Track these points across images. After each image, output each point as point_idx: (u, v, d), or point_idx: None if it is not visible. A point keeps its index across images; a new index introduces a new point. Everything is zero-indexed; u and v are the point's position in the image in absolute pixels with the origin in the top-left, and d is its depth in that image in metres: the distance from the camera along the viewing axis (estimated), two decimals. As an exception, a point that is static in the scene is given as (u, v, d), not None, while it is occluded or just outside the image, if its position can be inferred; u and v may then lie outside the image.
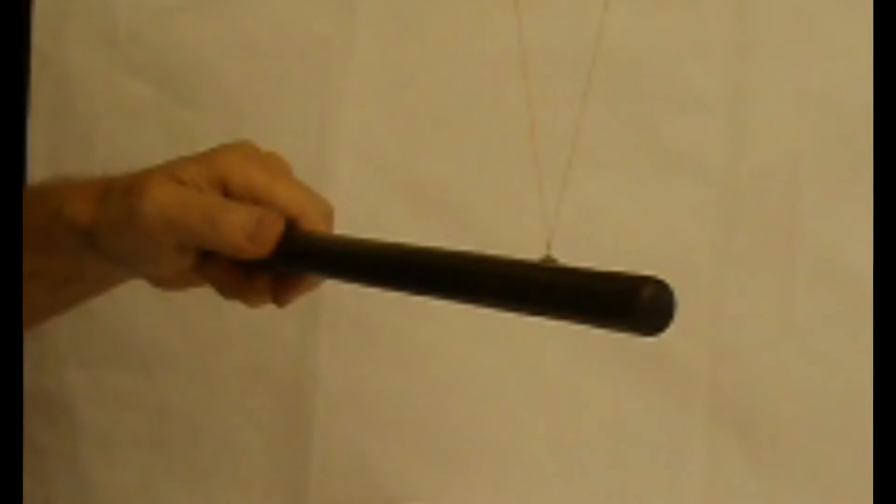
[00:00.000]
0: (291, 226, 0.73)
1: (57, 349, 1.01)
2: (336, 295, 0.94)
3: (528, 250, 0.67)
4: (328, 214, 0.75)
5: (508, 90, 0.94)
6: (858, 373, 0.94)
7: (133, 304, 0.98)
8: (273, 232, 0.72)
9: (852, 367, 0.94)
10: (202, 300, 0.80)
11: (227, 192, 0.73)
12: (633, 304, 0.57)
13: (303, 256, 0.73)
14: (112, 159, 0.96)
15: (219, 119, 0.96)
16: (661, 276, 0.57)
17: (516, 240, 0.92)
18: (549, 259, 0.68)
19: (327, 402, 0.97)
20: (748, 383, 0.95)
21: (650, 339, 0.58)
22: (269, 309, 0.77)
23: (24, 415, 0.81)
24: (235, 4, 0.97)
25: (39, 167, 0.97)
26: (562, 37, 0.93)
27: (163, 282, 0.78)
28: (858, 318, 0.93)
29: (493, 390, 0.96)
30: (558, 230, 0.93)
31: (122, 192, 0.74)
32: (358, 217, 0.81)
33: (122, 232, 0.73)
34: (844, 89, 0.93)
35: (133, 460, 1.01)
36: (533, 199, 0.94)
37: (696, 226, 0.94)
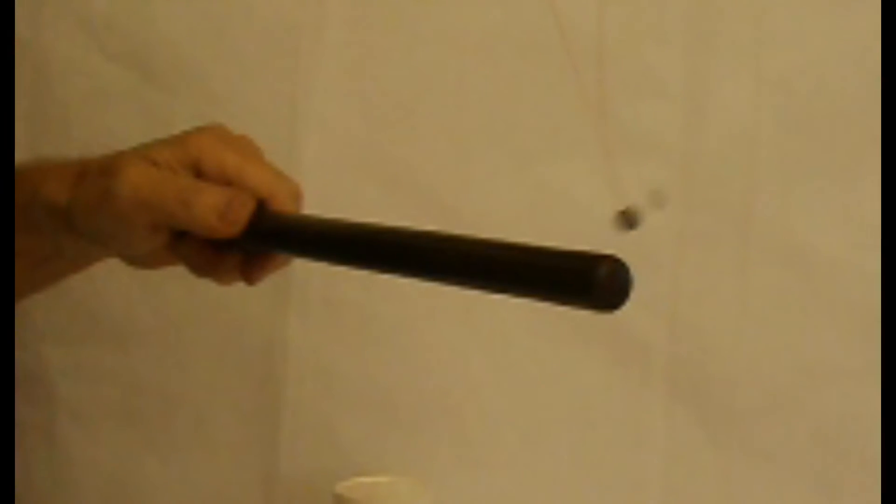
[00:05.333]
0: (261, 206, 0.75)
1: (34, 326, 1.01)
2: (305, 273, 0.95)
3: (493, 230, 0.68)
4: (297, 195, 0.77)
5: (476, 74, 0.95)
6: (813, 347, 0.96)
7: (108, 282, 0.98)
8: (244, 212, 0.74)
9: (807, 342, 0.96)
10: (175, 278, 0.81)
11: (199, 173, 0.75)
12: (589, 281, 0.58)
13: (272, 236, 0.74)
14: (88, 142, 0.96)
15: (192, 102, 0.96)
16: (621, 254, 0.59)
17: (482, 220, 0.95)
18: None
19: (297, 377, 0.97)
20: (706, 358, 0.96)
21: (610, 315, 0.60)
22: (240, 287, 0.78)
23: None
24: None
25: (18, 150, 0.95)
26: (527, 20, 0.94)
27: (137, 260, 0.79)
28: (812, 294, 0.95)
29: (457, 364, 0.97)
30: (522, 210, 0.96)
31: (98, 173, 0.75)
32: (326, 197, 0.82)
33: (98, 212, 0.74)
34: (799, 74, 0.94)
35: (108, 433, 1.01)
36: (498, 180, 0.96)
37: (655, 206, 0.95)
